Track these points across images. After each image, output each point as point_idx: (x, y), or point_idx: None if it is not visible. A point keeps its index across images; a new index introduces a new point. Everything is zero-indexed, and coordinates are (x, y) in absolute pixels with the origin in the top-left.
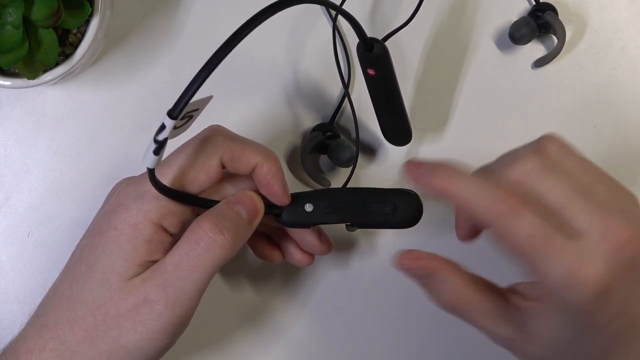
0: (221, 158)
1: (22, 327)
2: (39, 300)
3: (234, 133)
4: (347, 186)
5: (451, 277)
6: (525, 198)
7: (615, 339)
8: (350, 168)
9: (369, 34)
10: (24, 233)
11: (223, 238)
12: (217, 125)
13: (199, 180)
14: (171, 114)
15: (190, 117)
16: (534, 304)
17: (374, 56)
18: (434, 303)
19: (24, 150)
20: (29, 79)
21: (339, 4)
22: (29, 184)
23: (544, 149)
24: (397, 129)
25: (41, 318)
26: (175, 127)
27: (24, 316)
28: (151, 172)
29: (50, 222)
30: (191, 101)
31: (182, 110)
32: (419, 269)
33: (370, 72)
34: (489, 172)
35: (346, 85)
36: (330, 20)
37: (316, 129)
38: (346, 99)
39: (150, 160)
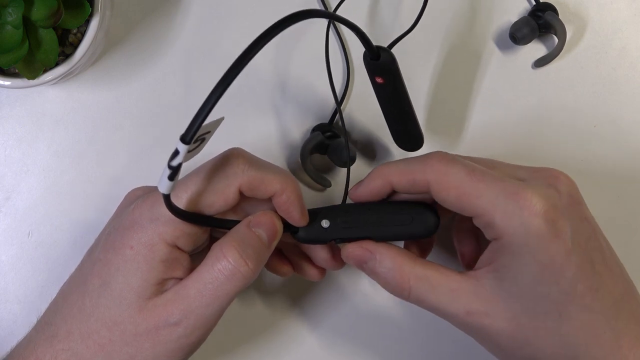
0: (239, 186)
1: (29, 331)
2: (38, 300)
3: (254, 157)
4: (346, 185)
5: (390, 256)
6: None
7: (574, 283)
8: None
9: (373, 41)
10: (24, 233)
11: (247, 269)
12: (238, 148)
13: (216, 205)
14: (184, 138)
15: (202, 140)
16: (486, 268)
17: (382, 64)
18: (383, 288)
19: (24, 150)
20: (29, 79)
21: (335, 11)
22: (29, 184)
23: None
24: (409, 134)
25: (51, 327)
26: (188, 151)
27: (24, 316)
28: (167, 198)
29: (50, 222)
30: (203, 124)
31: (194, 135)
32: (357, 255)
33: (379, 80)
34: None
35: (338, 98)
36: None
37: (316, 129)
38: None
39: (165, 186)
